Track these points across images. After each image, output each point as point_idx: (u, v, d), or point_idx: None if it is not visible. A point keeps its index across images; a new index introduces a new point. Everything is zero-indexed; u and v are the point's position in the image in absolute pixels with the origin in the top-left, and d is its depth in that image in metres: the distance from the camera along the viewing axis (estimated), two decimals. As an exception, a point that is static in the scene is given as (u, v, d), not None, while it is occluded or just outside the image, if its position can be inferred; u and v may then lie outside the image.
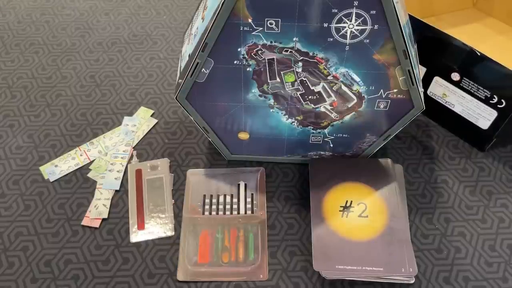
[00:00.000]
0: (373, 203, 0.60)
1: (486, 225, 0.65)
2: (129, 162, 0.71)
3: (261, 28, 0.52)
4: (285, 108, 0.60)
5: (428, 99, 0.74)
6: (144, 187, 0.68)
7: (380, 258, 0.56)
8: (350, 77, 0.56)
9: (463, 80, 0.69)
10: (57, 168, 0.70)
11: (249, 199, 0.66)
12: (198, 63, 0.55)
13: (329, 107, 0.60)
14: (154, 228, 0.64)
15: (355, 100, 0.59)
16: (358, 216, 0.59)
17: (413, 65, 0.54)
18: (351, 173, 0.63)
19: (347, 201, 0.60)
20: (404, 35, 0.51)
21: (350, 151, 0.67)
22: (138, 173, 0.69)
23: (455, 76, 0.69)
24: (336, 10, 0.50)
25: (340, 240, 0.57)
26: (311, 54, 0.54)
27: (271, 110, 0.61)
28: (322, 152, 0.67)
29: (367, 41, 0.52)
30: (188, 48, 0.59)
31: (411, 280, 0.57)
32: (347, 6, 0.49)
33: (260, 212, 0.65)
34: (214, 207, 0.66)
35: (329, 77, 0.56)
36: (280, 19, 0.51)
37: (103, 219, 0.65)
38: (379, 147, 0.66)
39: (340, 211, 0.60)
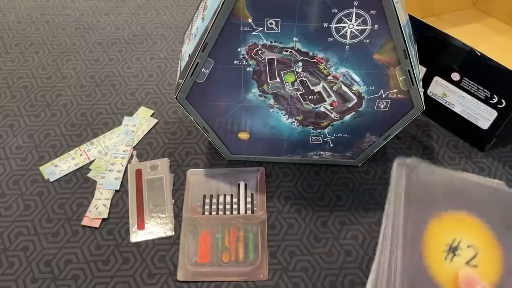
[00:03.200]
0: (486, 247, 0.43)
1: (486, 225, 0.65)
2: (129, 162, 0.71)
3: (261, 28, 0.52)
4: (285, 108, 0.60)
5: (428, 99, 0.74)
6: (144, 187, 0.68)
7: None
8: (350, 77, 0.56)
9: (463, 80, 0.69)
10: (57, 168, 0.70)
11: (249, 199, 0.66)
12: (198, 63, 0.55)
13: (329, 107, 0.60)
14: (154, 228, 0.64)
15: (355, 100, 0.59)
16: (465, 264, 0.42)
17: (413, 65, 0.54)
18: (461, 198, 0.45)
19: (454, 240, 0.43)
20: (404, 35, 0.51)
21: (350, 151, 0.67)
22: (138, 173, 0.69)
23: (455, 76, 0.69)
24: (336, 10, 0.50)
25: None
26: (311, 54, 0.54)
27: (271, 110, 0.61)
28: (322, 152, 0.68)
29: (367, 41, 0.52)
30: (188, 48, 0.59)
31: None
32: (347, 6, 0.49)
33: (260, 212, 0.65)
34: (214, 207, 0.66)
35: (329, 77, 0.56)
36: (280, 19, 0.51)
37: (103, 219, 0.65)
38: (379, 147, 0.66)
39: (444, 251, 0.42)
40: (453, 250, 0.43)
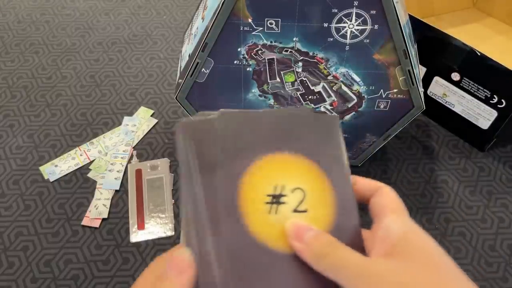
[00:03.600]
0: (315, 186, 0.36)
1: (486, 225, 0.65)
2: (129, 162, 0.71)
3: (261, 28, 0.52)
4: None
5: (428, 99, 0.74)
6: (144, 187, 0.68)
7: (319, 281, 0.32)
8: (350, 77, 0.56)
9: (463, 80, 0.68)
10: (57, 168, 0.70)
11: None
12: (198, 63, 0.55)
13: (329, 107, 0.60)
14: (154, 228, 0.64)
15: (355, 100, 0.59)
16: (293, 211, 0.35)
17: (413, 65, 0.54)
18: (281, 137, 0.37)
19: (276, 187, 0.35)
20: (404, 35, 0.51)
21: (350, 151, 0.67)
22: (138, 173, 0.69)
23: (455, 76, 0.69)
24: (336, 10, 0.50)
25: (266, 254, 0.33)
26: (311, 54, 0.54)
27: (271, 110, 0.61)
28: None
29: (367, 41, 0.52)
30: (188, 48, 0.59)
31: None
32: (347, 6, 0.49)
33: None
34: (214, 207, 0.66)
35: (329, 77, 0.56)
36: (280, 19, 0.51)
37: (103, 219, 0.65)
38: (380, 147, 0.66)
39: (267, 203, 0.35)
40: (276, 199, 0.35)
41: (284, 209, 0.34)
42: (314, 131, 0.37)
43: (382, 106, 0.59)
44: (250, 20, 0.51)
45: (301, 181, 0.35)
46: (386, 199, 0.33)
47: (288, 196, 0.35)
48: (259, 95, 0.59)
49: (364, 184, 0.36)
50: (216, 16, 0.51)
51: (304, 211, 0.35)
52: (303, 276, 0.32)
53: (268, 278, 0.33)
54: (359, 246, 0.34)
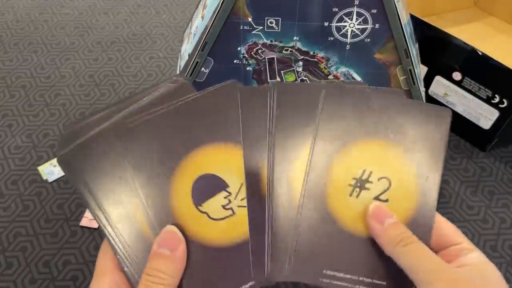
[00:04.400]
0: (403, 179, 0.36)
1: (488, 225, 0.64)
2: (128, 162, 0.71)
3: (261, 27, 0.51)
4: (285, 107, 0.60)
5: (430, 99, 0.74)
6: (143, 187, 0.68)
7: (387, 267, 0.34)
8: (351, 77, 0.56)
9: (464, 80, 0.68)
10: (56, 168, 0.70)
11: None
12: (197, 62, 0.55)
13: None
14: (154, 228, 0.63)
15: (356, 100, 0.58)
16: (374, 199, 0.35)
17: (414, 65, 0.54)
18: (383, 123, 0.36)
19: (364, 171, 0.36)
20: (405, 34, 0.51)
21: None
22: (138, 173, 0.69)
23: (457, 76, 0.69)
24: (336, 9, 0.49)
25: (339, 233, 0.35)
26: (311, 53, 0.53)
27: (271, 110, 0.60)
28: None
29: (368, 40, 0.52)
30: (187, 47, 0.59)
31: None
32: (347, 5, 0.49)
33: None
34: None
35: (329, 77, 0.56)
36: (280, 18, 0.50)
37: (102, 220, 0.64)
38: (380, 147, 0.65)
39: (350, 185, 0.35)
40: (361, 183, 0.35)
41: (366, 195, 0.35)
42: (422, 123, 0.36)
43: (383, 106, 0.59)
44: (250, 19, 0.51)
45: (390, 171, 0.35)
46: (451, 229, 0.34)
47: (373, 183, 0.35)
48: (259, 95, 0.59)
49: None
50: (216, 15, 0.50)
51: (385, 201, 0.35)
52: (368, 259, 0.34)
53: (338, 253, 0.34)
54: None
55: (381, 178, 0.36)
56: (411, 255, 0.30)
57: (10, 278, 0.59)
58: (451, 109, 0.72)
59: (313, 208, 0.34)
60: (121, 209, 0.32)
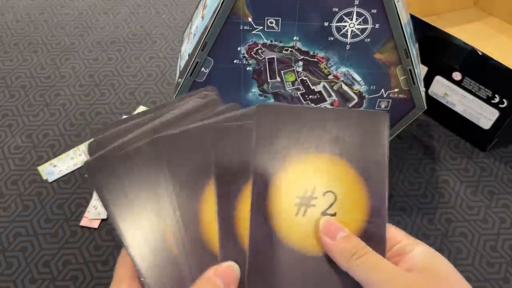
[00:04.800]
0: (349, 191, 0.35)
1: (488, 225, 0.64)
2: (128, 162, 0.71)
3: (261, 27, 0.51)
4: (285, 107, 0.60)
5: (430, 99, 0.74)
6: (143, 187, 0.68)
7: (345, 282, 0.33)
8: (351, 77, 0.56)
9: (464, 80, 0.68)
10: (56, 168, 0.70)
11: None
12: (197, 62, 0.55)
13: (329, 107, 0.59)
14: (154, 228, 0.63)
15: (356, 100, 0.58)
16: (322, 214, 0.34)
17: (414, 65, 0.54)
18: (320, 136, 0.35)
19: (307, 188, 0.35)
20: (405, 34, 0.51)
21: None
22: (138, 173, 0.69)
23: (457, 76, 0.69)
24: (336, 9, 0.49)
25: (290, 254, 0.34)
26: (311, 53, 0.53)
27: (271, 110, 0.60)
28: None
29: (368, 40, 0.52)
30: (187, 47, 0.59)
31: None
32: (348, 5, 0.49)
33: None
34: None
35: (329, 77, 0.56)
36: (280, 18, 0.50)
37: (102, 220, 0.64)
38: (380, 147, 0.65)
39: (295, 204, 0.34)
40: (306, 201, 0.34)
41: (313, 212, 0.34)
42: (358, 130, 0.35)
43: (383, 106, 0.59)
44: (250, 19, 0.51)
45: (334, 184, 0.34)
46: (393, 231, 0.34)
47: (319, 198, 0.34)
48: (259, 95, 0.58)
49: None
50: (216, 15, 0.50)
51: (333, 215, 0.34)
52: (325, 277, 0.33)
53: (291, 275, 0.33)
54: (383, 256, 0.34)
55: (326, 192, 0.34)
56: (365, 268, 0.30)
57: (10, 278, 0.59)
58: (451, 109, 0.72)
59: (261, 233, 0.33)
60: (145, 221, 0.33)
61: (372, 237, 0.34)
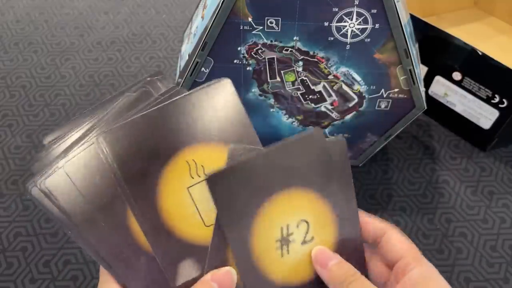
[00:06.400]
0: (315, 212, 0.36)
1: (488, 225, 0.64)
2: (128, 162, 0.71)
3: (261, 27, 0.51)
4: (286, 107, 0.60)
5: (430, 99, 0.74)
6: (143, 187, 0.68)
7: None
8: (351, 77, 0.56)
9: (464, 80, 0.68)
10: (56, 168, 0.70)
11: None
12: (197, 62, 0.55)
13: (329, 107, 0.59)
14: (154, 228, 0.63)
15: (356, 100, 0.58)
16: (302, 244, 0.36)
17: (414, 65, 0.54)
18: (277, 176, 0.35)
19: (282, 228, 0.35)
20: (405, 34, 0.51)
21: (351, 151, 0.67)
22: (138, 173, 0.69)
23: (457, 76, 0.69)
24: (336, 9, 0.49)
25: None
26: (311, 53, 0.53)
27: (271, 110, 0.60)
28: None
29: (368, 40, 0.52)
30: (187, 47, 0.59)
31: None
32: (347, 5, 0.49)
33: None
34: (213, 207, 0.65)
35: (329, 77, 0.56)
36: (280, 18, 0.50)
37: (102, 220, 0.64)
38: (380, 147, 0.65)
39: (277, 248, 0.35)
40: (285, 241, 0.35)
41: (294, 246, 0.36)
42: (318, 159, 0.36)
43: (383, 106, 0.59)
44: (250, 19, 0.51)
45: (304, 213, 0.36)
46: (398, 244, 0.35)
47: (294, 232, 0.36)
48: (259, 95, 0.59)
49: (371, 225, 0.37)
50: (216, 15, 0.50)
51: (311, 240, 0.36)
52: None
53: None
54: (361, 263, 0.37)
55: (299, 223, 0.36)
56: None
57: (10, 278, 0.59)
58: (451, 109, 0.72)
59: (253, 281, 0.34)
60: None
61: (347, 245, 0.36)
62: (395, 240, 0.34)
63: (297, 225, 0.35)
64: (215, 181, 0.32)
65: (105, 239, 0.33)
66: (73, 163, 0.33)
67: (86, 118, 0.38)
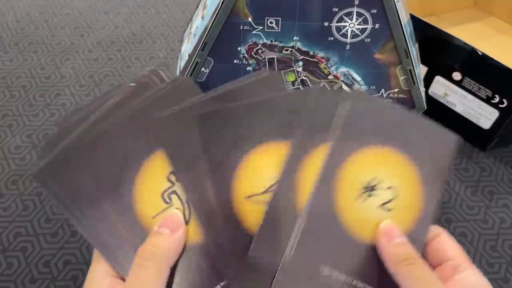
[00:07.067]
0: (407, 191, 0.36)
1: (488, 225, 0.64)
2: (128, 162, 0.71)
3: (261, 27, 0.51)
4: (285, 107, 0.60)
5: (430, 99, 0.74)
6: (143, 187, 0.68)
7: (382, 277, 0.35)
8: (351, 77, 0.56)
9: (464, 80, 0.68)
10: (56, 168, 0.70)
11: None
12: (197, 62, 0.55)
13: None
14: (154, 228, 0.63)
15: (356, 100, 0.58)
16: (379, 206, 0.36)
17: (414, 65, 0.54)
18: (397, 136, 0.37)
19: (375, 178, 0.36)
20: (405, 34, 0.51)
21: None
22: (138, 173, 0.69)
23: (457, 76, 0.69)
24: (336, 9, 0.49)
25: (340, 233, 0.35)
26: (311, 53, 0.53)
27: (271, 110, 0.60)
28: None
29: (368, 40, 0.52)
30: (187, 47, 0.59)
31: None
32: (347, 5, 0.49)
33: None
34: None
35: (329, 77, 0.56)
36: (280, 18, 0.50)
37: (102, 220, 0.64)
38: (380, 147, 0.65)
39: (358, 189, 0.36)
40: (369, 189, 0.36)
41: (372, 201, 0.36)
42: (431, 141, 0.38)
43: (383, 106, 0.59)
44: (250, 19, 0.51)
45: (398, 182, 0.36)
46: (451, 246, 0.35)
47: (381, 191, 0.36)
48: (259, 95, 0.58)
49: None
50: (216, 15, 0.50)
51: (388, 210, 0.36)
52: (367, 266, 0.35)
53: (335, 251, 0.35)
54: (421, 251, 0.36)
55: (389, 187, 0.36)
56: (413, 276, 0.31)
57: (10, 278, 0.59)
58: (451, 109, 0.72)
59: (320, 205, 0.35)
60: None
61: (415, 241, 0.35)
62: (448, 242, 0.34)
63: (386, 187, 0.36)
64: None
65: (108, 220, 0.34)
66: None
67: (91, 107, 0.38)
